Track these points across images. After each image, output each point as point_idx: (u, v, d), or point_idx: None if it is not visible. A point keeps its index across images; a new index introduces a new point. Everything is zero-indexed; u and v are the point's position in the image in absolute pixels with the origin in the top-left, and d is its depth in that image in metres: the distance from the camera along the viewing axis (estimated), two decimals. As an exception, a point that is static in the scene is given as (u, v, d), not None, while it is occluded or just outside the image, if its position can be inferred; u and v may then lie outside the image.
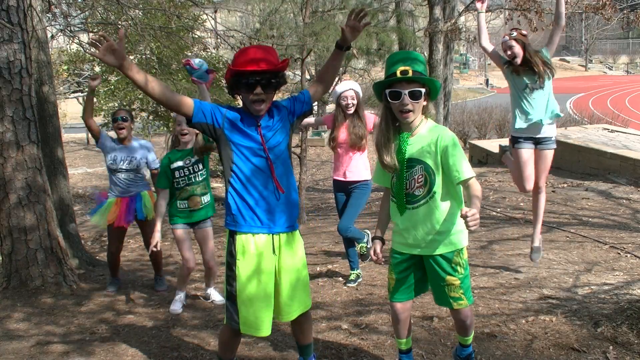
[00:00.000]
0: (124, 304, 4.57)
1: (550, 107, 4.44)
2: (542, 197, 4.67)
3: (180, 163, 4.19)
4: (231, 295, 2.65)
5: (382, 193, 3.00)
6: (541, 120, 4.42)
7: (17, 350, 3.64)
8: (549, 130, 4.51)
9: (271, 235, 2.66)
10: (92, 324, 4.07)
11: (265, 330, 2.65)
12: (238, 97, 2.70)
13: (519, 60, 4.34)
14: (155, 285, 4.95)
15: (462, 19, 13.04)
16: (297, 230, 2.79)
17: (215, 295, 4.45)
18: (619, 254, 5.01)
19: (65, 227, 5.57)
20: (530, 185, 4.58)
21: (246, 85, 2.52)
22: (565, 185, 8.42)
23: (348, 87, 4.38)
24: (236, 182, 2.64)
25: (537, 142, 4.53)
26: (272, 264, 2.66)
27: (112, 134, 4.90)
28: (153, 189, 4.80)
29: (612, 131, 11.52)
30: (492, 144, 12.48)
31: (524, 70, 4.38)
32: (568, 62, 54.25)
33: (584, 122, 17.34)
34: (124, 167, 4.72)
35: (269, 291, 2.65)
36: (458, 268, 2.73)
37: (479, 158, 11.62)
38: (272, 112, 2.69)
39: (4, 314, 4.29)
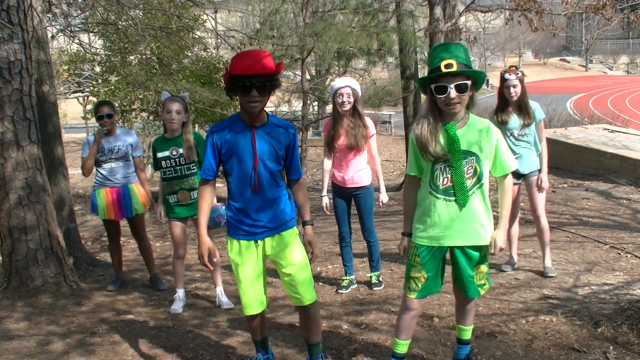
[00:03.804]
0: (124, 304, 4.57)
1: (532, 161, 4.49)
2: (541, 226, 4.55)
3: (166, 153, 4.19)
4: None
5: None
6: (523, 172, 4.52)
7: (18, 350, 3.64)
8: (533, 165, 4.53)
9: (254, 241, 2.86)
10: (92, 324, 4.07)
11: (251, 310, 2.91)
12: (235, 98, 2.80)
13: (515, 98, 4.37)
14: (155, 285, 4.96)
15: (463, 19, 13.04)
16: (288, 230, 2.88)
17: (223, 299, 4.37)
18: (619, 254, 5.01)
19: (65, 227, 5.57)
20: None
21: (242, 88, 2.64)
22: (565, 185, 8.42)
23: (344, 83, 4.19)
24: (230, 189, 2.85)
25: (522, 176, 4.56)
26: (258, 255, 2.88)
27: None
28: (136, 180, 4.87)
29: (612, 131, 11.52)
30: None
31: (511, 116, 4.44)
32: (568, 62, 54.22)
33: (584, 122, 17.34)
34: (112, 157, 4.74)
35: (255, 275, 2.88)
36: (487, 256, 2.79)
37: (479, 158, 11.61)
38: (272, 128, 2.80)
39: (4, 314, 4.29)
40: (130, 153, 4.81)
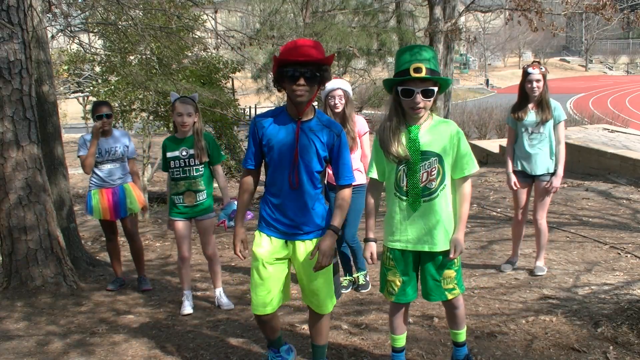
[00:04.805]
0: (124, 304, 4.57)
1: (545, 163, 4.42)
2: (539, 226, 4.56)
3: (176, 153, 4.14)
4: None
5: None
6: (535, 173, 4.46)
7: (17, 349, 3.64)
8: (546, 168, 4.45)
9: (285, 240, 2.79)
10: (92, 324, 4.07)
11: (259, 310, 2.80)
12: (283, 91, 2.70)
13: (537, 93, 4.33)
14: (140, 285, 4.93)
15: (463, 19, 13.04)
16: (320, 238, 2.76)
17: (223, 300, 4.35)
18: (619, 254, 5.01)
19: (65, 227, 5.57)
20: (521, 216, 4.67)
21: (290, 76, 2.54)
22: (565, 185, 8.42)
23: (336, 85, 4.20)
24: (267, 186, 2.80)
25: (533, 177, 4.51)
26: (286, 255, 2.81)
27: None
28: (130, 180, 4.91)
29: (612, 131, 11.53)
30: (492, 144, 12.47)
31: (529, 112, 4.39)
32: (568, 62, 54.27)
33: (584, 122, 17.36)
34: (109, 158, 4.75)
35: (277, 275, 2.79)
36: (455, 261, 2.75)
37: (479, 158, 11.63)
38: (317, 125, 2.69)
39: (3, 314, 4.29)
40: (126, 154, 4.84)
